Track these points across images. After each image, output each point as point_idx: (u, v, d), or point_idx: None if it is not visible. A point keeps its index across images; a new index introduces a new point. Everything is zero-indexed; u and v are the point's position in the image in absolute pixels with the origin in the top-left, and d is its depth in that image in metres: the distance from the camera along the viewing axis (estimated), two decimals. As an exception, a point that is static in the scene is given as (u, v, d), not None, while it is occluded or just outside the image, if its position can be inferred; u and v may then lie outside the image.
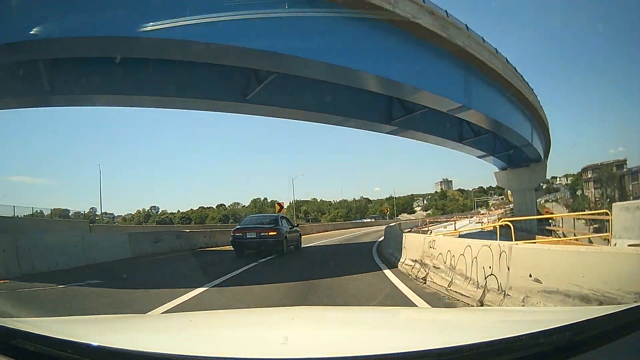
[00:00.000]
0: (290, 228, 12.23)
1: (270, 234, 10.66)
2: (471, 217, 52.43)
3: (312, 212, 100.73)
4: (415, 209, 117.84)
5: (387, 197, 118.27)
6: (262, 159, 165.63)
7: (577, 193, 77.32)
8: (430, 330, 1.65)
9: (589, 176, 71.08)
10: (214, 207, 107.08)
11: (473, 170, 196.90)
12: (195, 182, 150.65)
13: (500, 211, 56.58)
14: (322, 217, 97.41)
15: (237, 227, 11.65)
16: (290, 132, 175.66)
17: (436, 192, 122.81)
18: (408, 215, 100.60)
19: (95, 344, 1.13)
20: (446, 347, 1.04)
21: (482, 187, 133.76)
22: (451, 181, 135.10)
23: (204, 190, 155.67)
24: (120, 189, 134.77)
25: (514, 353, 1.05)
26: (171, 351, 1.14)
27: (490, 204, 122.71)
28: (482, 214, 59.11)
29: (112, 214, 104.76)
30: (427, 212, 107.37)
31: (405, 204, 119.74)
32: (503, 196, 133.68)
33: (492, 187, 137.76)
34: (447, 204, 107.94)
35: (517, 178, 29.43)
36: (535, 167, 28.54)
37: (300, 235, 13.98)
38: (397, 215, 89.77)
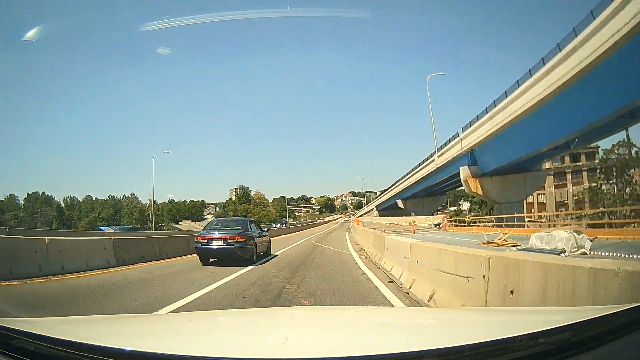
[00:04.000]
0: (259, 232, 11.44)
1: (238, 240, 9.68)
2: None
3: (77, 212, 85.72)
4: (207, 216, 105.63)
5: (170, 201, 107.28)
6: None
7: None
8: (430, 330, 1.65)
9: (574, 164, 50.65)
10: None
11: (273, 178, 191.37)
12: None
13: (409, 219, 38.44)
14: (83, 220, 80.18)
15: (201, 232, 10.58)
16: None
17: (230, 199, 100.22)
18: (192, 223, 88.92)
19: (95, 343, 1.13)
20: (446, 347, 1.04)
21: (283, 196, 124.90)
22: (248, 188, 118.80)
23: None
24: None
25: (514, 353, 1.05)
26: (171, 351, 1.14)
27: (299, 214, 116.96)
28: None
29: None
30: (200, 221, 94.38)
31: (191, 210, 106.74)
32: (317, 204, 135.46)
33: (294, 198, 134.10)
34: (251, 209, 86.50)
35: None
36: None
37: (270, 240, 13.10)
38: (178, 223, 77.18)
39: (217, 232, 10.05)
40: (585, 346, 1.09)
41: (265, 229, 13.90)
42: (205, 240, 9.85)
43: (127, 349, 1.13)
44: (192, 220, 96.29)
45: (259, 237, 10.99)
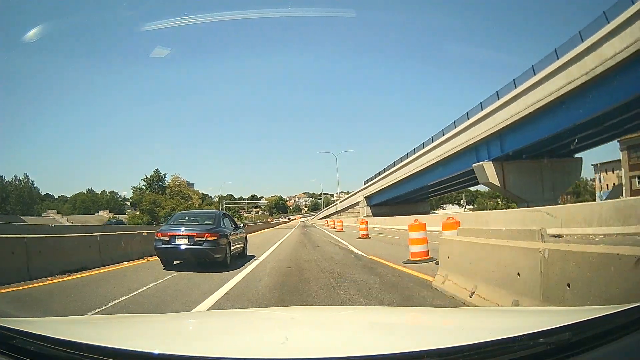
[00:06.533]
0: (234, 229, 9.69)
1: (208, 238, 8.02)
2: None
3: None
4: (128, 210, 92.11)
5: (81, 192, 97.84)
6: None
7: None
8: (431, 330, 1.65)
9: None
10: None
11: (226, 177, 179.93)
12: None
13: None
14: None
15: (162, 228, 8.82)
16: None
17: (140, 188, 71.21)
18: (56, 216, 67.65)
19: (95, 343, 1.13)
20: (446, 347, 1.04)
21: (231, 195, 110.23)
22: (182, 179, 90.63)
23: None
24: None
25: (514, 353, 1.05)
26: (171, 351, 1.14)
27: (247, 215, 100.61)
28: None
29: None
30: (121, 215, 75.65)
31: (110, 202, 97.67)
32: (267, 202, 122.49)
33: (244, 198, 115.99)
34: (161, 200, 59.98)
35: None
36: None
37: (246, 239, 11.22)
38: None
39: (182, 228, 8.33)
40: (585, 346, 1.09)
41: (242, 225, 11.88)
42: (167, 238, 8.10)
43: (127, 348, 1.13)
44: (58, 212, 76.83)
45: (233, 234, 9.29)
